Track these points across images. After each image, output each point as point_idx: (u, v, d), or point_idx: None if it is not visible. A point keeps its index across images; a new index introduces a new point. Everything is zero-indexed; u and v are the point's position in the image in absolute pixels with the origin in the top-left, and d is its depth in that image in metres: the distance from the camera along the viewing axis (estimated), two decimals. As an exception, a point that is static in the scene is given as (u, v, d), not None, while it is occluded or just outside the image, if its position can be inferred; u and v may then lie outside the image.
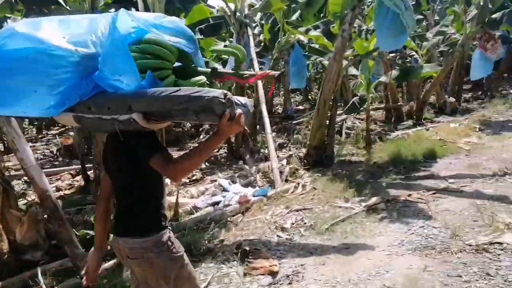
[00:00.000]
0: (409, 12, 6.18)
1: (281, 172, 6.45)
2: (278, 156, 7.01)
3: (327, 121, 6.95)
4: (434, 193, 4.93)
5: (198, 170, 7.32)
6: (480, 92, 14.90)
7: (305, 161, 6.89)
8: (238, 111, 1.57)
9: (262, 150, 8.17)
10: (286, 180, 6.19)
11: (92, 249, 2.04)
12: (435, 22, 12.22)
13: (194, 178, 7.03)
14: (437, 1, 12.52)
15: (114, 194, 1.97)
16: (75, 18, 1.76)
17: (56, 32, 1.61)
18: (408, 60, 11.78)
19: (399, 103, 11.03)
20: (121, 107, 1.61)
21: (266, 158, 7.36)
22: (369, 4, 10.43)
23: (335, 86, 6.75)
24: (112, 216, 2.05)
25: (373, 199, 4.84)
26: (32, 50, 1.53)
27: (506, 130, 8.38)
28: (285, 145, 8.77)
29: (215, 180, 6.58)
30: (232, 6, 7.98)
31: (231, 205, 5.24)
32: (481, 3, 8.89)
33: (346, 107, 8.87)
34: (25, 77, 1.56)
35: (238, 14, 8.04)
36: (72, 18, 1.76)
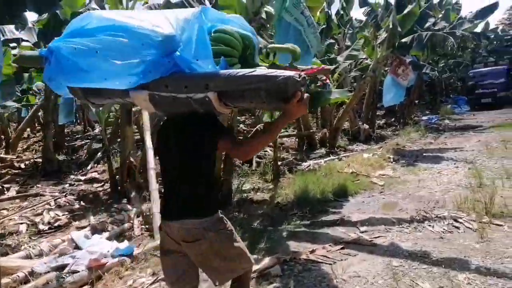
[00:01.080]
0: (312, 30, 5.46)
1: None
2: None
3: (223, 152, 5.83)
4: (342, 248, 3.95)
5: (65, 213, 5.86)
6: (393, 119, 15.00)
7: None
8: (306, 94, 1.74)
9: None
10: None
11: None
12: (346, 47, 11.97)
13: (57, 224, 5.45)
14: (348, 25, 12.34)
15: (165, 176, 2.01)
16: (152, 11, 2.19)
17: (140, 16, 1.86)
18: (318, 84, 11.28)
19: (311, 130, 10.35)
20: (198, 86, 1.73)
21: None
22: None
23: (231, 112, 5.67)
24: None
25: (266, 261, 3.70)
26: (119, 27, 1.76)
27: (421, 160, 7.96)
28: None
29: (85, 227, 5.13)
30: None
31: (78, 271, 3.80)
32: (390, 26, 8.58)
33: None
34: (113, 51, 1.73)
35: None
36: (149, 11, 2.20)
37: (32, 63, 3.02)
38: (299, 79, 1.65)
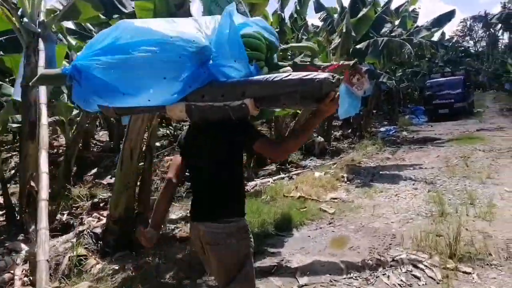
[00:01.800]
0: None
1: (57, 265, 4.11)
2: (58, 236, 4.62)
3: (138, 179, 4.82)
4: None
5: None
6: (349, 130, 14.45)
7: (100, 242, 4.58)
8: (337, 93, 1.79)
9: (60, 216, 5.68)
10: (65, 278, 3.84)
11: (147, 228, 2.04)
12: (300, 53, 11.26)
13: None
14: (302, 29, 11.67)
15: (194, 180, 2.09)
16: (179, 19, 2.00)
17: (171, 27, 1.86)
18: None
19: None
20: (235, 94, 1.79)
21: (66, 228, 5.13)
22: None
23: (147, 126, 4.69)
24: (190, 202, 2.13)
25: None
26: (153, 41, 1.75)
27: (377, 180, 7.27)
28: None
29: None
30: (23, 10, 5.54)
31: None
32: (344, 30, 7.90)
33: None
34: (152, 67, 1.75)
35: (26, 20, 5.58)
36: (176, 19, 2.00)
37: (54, 82, 2.73)
38: (333, 81, 1.75)
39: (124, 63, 1.73)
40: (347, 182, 7.27)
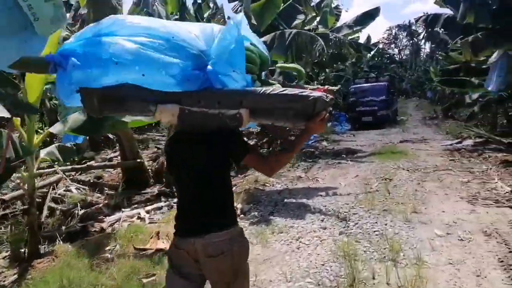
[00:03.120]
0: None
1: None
2: None
3: None
4: None
5: None
6: (265, 139, 12.94)
7: None
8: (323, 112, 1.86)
9: None
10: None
11: None
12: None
13: None
14: (210, 17, 9.98)
15: (184, 193, 2.03)
16: (180, 23, 1.98)
17: (174, 27, 1.86)
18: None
19: (140, 160, 7.52)
20: (232, 102, 1.81)
21: None
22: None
23: None
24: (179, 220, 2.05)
25: None
26: (153, 36, 1.75)
27: (279, 212, 5.73)
28: None
29: None
30: None
31: None
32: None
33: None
34: (151, 49, 1.72)
35: None
36: (177, 22, 2.01)
37: (36, 69, 2.18)
38: (327, 100, 1.87)
39: (119, 43, 1.72)
40: (241, 216, 5.62)
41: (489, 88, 10.38)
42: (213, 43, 1.84)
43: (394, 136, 14.09)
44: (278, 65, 2.95)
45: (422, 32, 69.74)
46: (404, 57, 70.55)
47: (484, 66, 11.35)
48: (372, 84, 18.61)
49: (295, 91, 1.85)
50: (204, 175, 1.93)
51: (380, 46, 46.52)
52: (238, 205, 5.89)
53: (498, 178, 6.90)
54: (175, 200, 6.60)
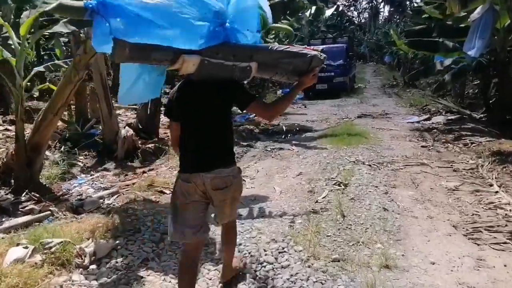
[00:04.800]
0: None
1: None
2: None
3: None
4: None
5: None
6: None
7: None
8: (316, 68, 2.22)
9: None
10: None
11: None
12: None
13: None
14: None
15: (195, 134, 2.24)
16: None
17: None
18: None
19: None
20: (244, 56, 2.12)
21: None
22: None
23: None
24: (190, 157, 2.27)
25: None
26: None
27: (163, 252, 3.19)
28: None
29: None
30: None
31: None
32: None
33: None
34: (184, 8, 1.91)
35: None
36: None
37: (72, 13, 2.41)
38: (321, 58, 2.20)
39: (158, 5, 1.84)
40: (87, 265, 3.09)
41: (469, 52, 8.07)
42: (226, 2, 2.09)
43: (351, 109, 11.84)
44: (272, 25, 3.06)
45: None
46: (363, 20, 68.40)
47: (462, 25, 9.12)
48: (329, 46, 16.11)
49: (295, 49, 2.19)
50: (216, 118, 2.22)
51: (340, 8, 43.93)
52: (85, 249, 3.33)
53: (498, 183, 4.72)
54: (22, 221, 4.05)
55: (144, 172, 5.47)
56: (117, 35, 1.81)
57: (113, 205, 4.23)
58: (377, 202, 4.25)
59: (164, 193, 4.59)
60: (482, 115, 9.74)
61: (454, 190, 4.67)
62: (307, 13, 20.22)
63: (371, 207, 4.13)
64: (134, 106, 9.37)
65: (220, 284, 2.79)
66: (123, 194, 4.53)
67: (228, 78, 2.15)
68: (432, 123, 9.04)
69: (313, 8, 19.43)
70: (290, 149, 7.14)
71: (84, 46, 4.61)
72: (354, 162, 5.87)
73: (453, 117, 9.17)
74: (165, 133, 9.13)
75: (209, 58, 2.03)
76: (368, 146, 6.85)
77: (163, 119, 10.65)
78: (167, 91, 9.02)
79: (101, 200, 4.32)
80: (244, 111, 2.29)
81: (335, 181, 4.97)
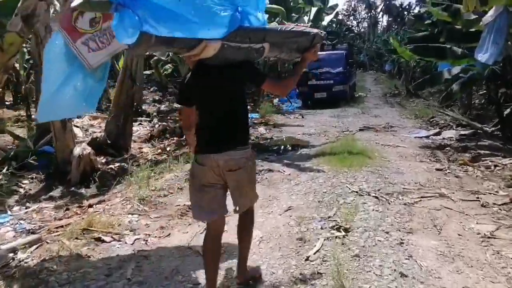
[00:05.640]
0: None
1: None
2: None
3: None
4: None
5: None
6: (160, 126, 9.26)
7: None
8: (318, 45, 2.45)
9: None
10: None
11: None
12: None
13: None
14: None
15: (211, 117, 2.29)
16: None
17: None
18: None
19: None
20: (258, 37, 2.21)
21: None
22: None
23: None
24: (206, 138, 2.32)
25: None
26: None
27: None
28: None
29: None
30: None
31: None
32: None
33: None
34: (208, 7, 1.97)
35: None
36: None
37: (100, 9, 2.42)
38: (322, 35, 2.44)
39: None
40: None
41: (480, 58, 6.88)
42: None
43: (351, 120, 10.62)
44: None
45: (380, 5, 67.00)
46: (362, 30, 67.51)
47: (473, 29, 7.96)
48: (328, 52, 14.93)
49: (299, 28, 2.36)
50: (233, 101, 2.28)
51: (340, 17, 42.91)
52: None
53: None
54: None
55: (90, 205, 4.24)
56: (147, 29, 1.84)
57: (25, 263, 3.00)
58: (391, 262, 3.02)
59: (103, 241, 3.37)
60: (493, 129, 8.54)
61: (489, 237, 3.45)
62: (306, 19, 19.14)
63: (383, 270, 2.90)
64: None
65: (237, 280, 2.73)
66: (47, 243, 3.30)
67: (244, 58, 2.23)
68: (443, 138, 7.83)
69: (312, 14, 18.37)
70: (280, 171, 5.93)
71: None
72: (357, 192, 4.65)
73: (466, 132, 7.93)
74: (140, 148, 7.96)
75: (228, 42, 2.08)
76: (373, 169, 5.63)
77: (140, 131, 9.52)
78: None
79: (11, 255, 3.09)
80: (261, 87, 2.38)
81: (333, 223, 3.76)
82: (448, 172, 5.48)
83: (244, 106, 2.36)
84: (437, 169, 5.63)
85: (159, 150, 7.75)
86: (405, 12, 57.67)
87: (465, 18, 7.72)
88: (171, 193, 5.08)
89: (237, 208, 2.39)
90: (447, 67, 9.98)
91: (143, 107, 12.96)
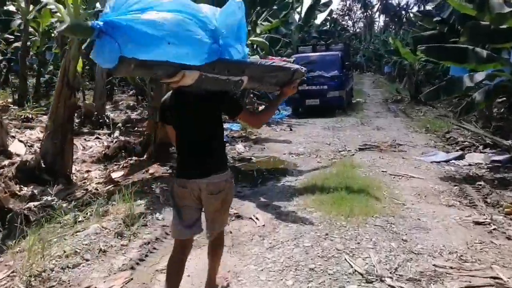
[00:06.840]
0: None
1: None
2: None
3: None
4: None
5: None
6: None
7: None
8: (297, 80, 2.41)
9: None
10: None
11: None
12: None
13: None
14: None
15: (189, 142, 2.31)
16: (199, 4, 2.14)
17: (194, 4, 2.04)
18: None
19: None
20: (237, 70, 2.17)
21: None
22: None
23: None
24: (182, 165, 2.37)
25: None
26: (185, 13, 1.93)
27: None
28: None
29: None
30: None
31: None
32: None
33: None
34: (189, 28, 1.93)
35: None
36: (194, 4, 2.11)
37: (82, 34, 2.61)
38: (303, 71, 2.41)
39: (167, 21, 1.83)
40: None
41: None
42: (214, 20, 2.04)
43: (349, 134, 8.87)
44: (250, 38, 3.14)
45: (376, 4, 65.50)
46: (358, 30, 65.98)
47: (504, 26, 6.29)
48: (322, 53, 13.20)
49: (280, 63, 2.35)
50: (210, 128, 2.29)
51: (335, 16, 41.24)
52: None
53: None
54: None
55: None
56: (127, 54, 1.80)
57: None
58: None
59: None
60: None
61: None
62: (296, 17, 17.40)
63: None
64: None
65: None
66: None
67: (222, 89, 2.22)
68: (469, 164, 6.09)
69: (303, 11, 16.68)
70: (253, 218, 4.17)
71: None
72: (362, 276, 2.89)
73: (499, 157, 6.13)
74: (88, 170, 6.16)
75: (206, 73, 2.08)
76: (383, 222, 3.88)
77: (93, 148, 7.76)
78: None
79: None
80: (235, 119, 2.37)
81: None
82: (494, 229, 3.73)
83: (221, 130, 2.38)
84: (476, 223, 3.88)
85: (104, 177, 5.99)
86: (403, 12, 56.23)
87: (496, 11, 6.06)
88: (87, 260, 3.35)
89: (209, 235, 2.43)
90: (462, 72, 8.29)
91: (112, 115, 11.18)
